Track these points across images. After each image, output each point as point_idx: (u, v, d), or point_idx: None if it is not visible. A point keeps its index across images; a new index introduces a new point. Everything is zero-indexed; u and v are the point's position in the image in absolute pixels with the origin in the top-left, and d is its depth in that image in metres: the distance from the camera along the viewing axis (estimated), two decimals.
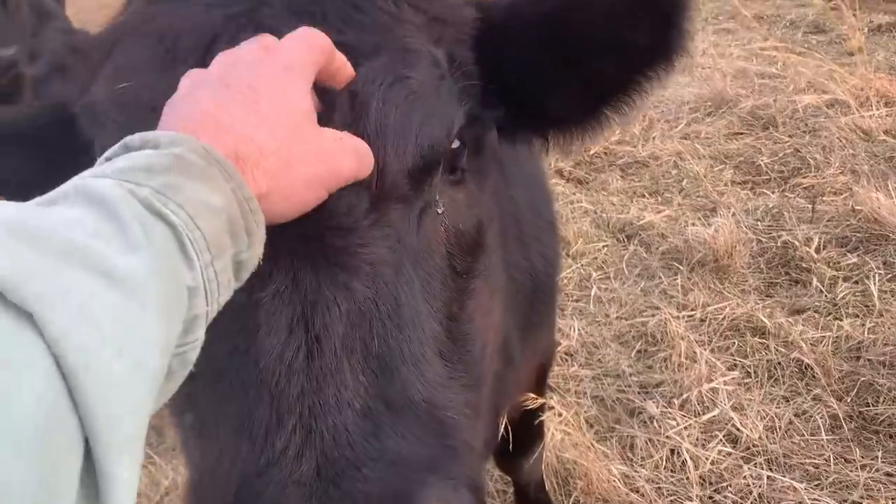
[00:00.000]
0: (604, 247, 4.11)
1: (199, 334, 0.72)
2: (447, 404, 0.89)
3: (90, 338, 0.57)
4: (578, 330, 3.50)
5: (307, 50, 0.86)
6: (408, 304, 0.89)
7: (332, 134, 0.85)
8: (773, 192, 4.21)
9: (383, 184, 0.89)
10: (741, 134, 4.95)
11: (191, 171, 0.72)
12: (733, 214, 3.97)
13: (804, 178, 4.26)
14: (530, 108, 1.14)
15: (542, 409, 2.27)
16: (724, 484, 2.59)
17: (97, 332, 0.58)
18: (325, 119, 0.87)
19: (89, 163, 0.75)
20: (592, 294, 3.74)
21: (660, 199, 4.49)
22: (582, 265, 3.98)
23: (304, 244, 0.85)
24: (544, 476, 2.76)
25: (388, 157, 0.89)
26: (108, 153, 0.75)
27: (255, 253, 0.78)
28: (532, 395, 2.02)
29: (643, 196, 4.57)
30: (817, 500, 2.44)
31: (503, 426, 1.89)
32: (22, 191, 0.80)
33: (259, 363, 0.80)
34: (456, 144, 1.00)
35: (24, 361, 0.53)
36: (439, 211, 0.98)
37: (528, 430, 2.30)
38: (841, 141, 4.49)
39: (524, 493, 2.59)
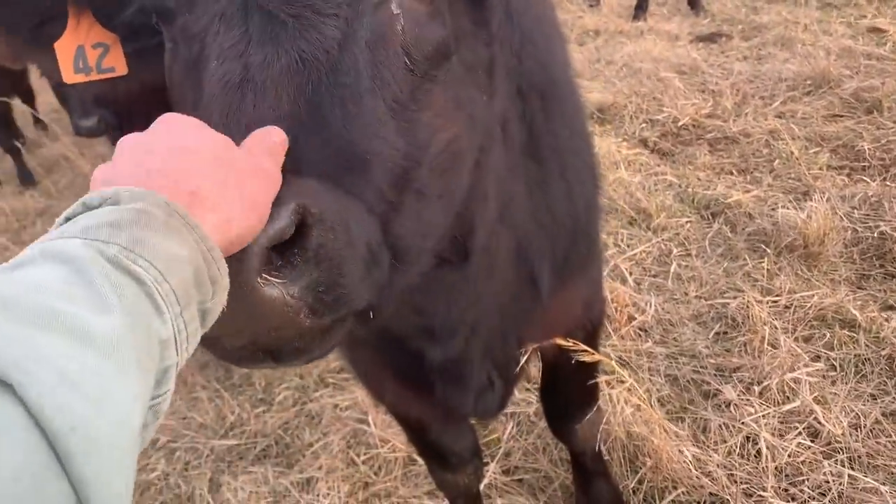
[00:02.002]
0: (687, 222, 3.97)
1: (171, 385, 0.73)
2: (368, 149, 0.99)
3: (73, 400, 0.57)
4: (655, 306, 3.40)
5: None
6: (347, 71, 0.99)
7: (244, 153, 0.89)
8: (872, 180, 3.98)
9: None
10: (841, 116, 4.69)
11: (155, 224, 0.74)
12: (828, 200, 3.77)
13: None
14: None
15: (594, 369, 2.22)
16: (802, 478, 2.49)
17: (78, 394, 0.58)
18: None
19: None
20: (672, 270, 3.63)
21: (749, 177, 4.31)
22: (663, 240, 3.86)
23: (258, 5, 0.97)
24: (611, 450, 2.70)
25: None
26: (67, 212, 0.77)
27: (219, 300, 0.81)
28: (579, 344, 1.96)
29: (731, 173, 4.39)
30: None
31: (527, 358, 1.89)
32: None
33: (206, 83, 0.96)
34: None
35: (4, 431, 0.53)
36: (395, 11, 1.07)
37: (579, 388, 2.28)
38: None
39: (580, 462, 2.54)
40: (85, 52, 1.19)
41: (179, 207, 0.78)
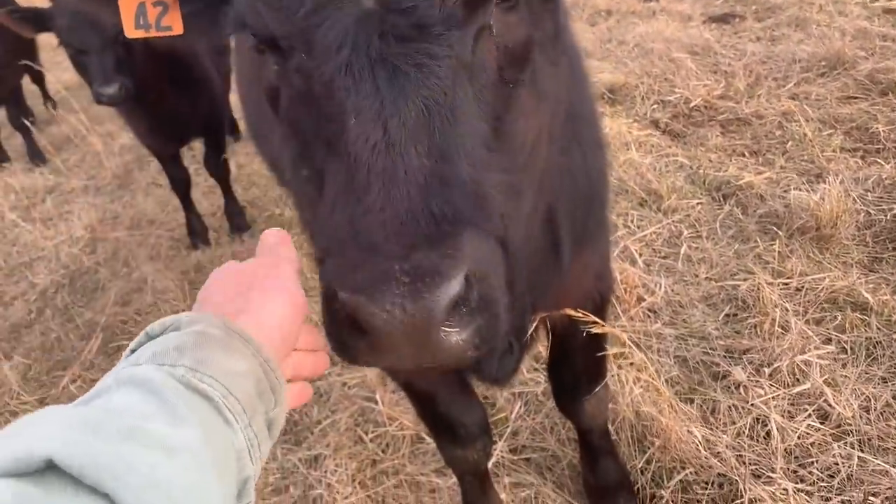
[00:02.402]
0: (698, 204, 3.95)
1: (251, 497, 0.80)
2: (489, 183, 1.04)
3: (161, 500, 0.64)
4: (665, 288, 3.38)
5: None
6: (461, 107, 1.03)
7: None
8: (886, 163, 3.94)
9: (445, 9, 1.01)
10: (856, 98, 4.64)
11: (215, 344, 0.83)
12: (841, 182, 3.73)
13: None
14: None
15: (603, 343, 2.22)
16: (811, 460, 2.48)
17: (168, 499, 0.64)
18: None
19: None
20: (682, 252, 3.61)
21: (761, 159, 4.27)
22: (673, 221, 3.84)
23: (381, 57, 0.99)
24: (619, 430, 2.70)
25: None
26: (132, 345, 0.85)
27: (281, 410, 0.90)
28: (589, 315, 1.95)
29: (743, 155, 4.35)
30: None
31: (537, 326, 1.90)
32: None
33: (351, 144, 0.98)
34: None
35: None
36: (493, 32, 1.10)
37: (588, 361, 2.28)
38: None
39: (587, 441, 2.53)
40: (146, 8, 1.25)
41: (234, 324, 0.87)
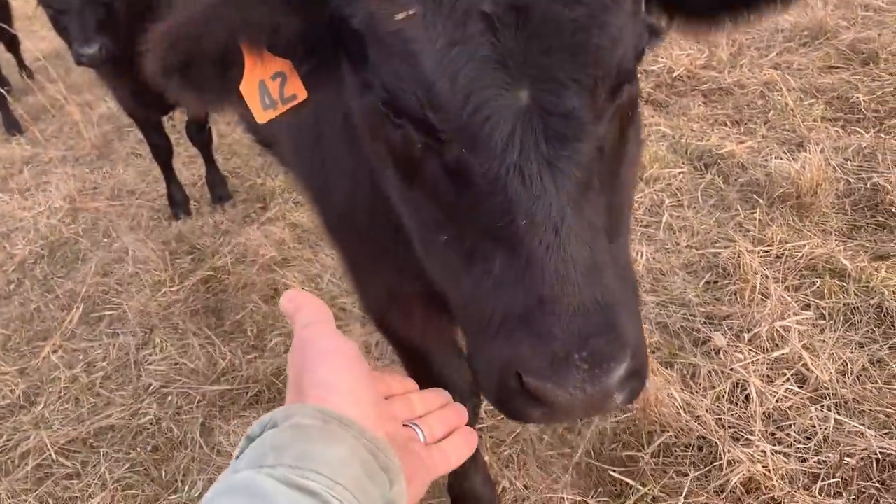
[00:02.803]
0: (679, 173, 3.96)
1: None
2: (620, 248, 1.15)
3: None
4: (646, 256, 3.40)
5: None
6: (600, 188, 1.10)
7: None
8: (866, 132, 3.96)
9: (595, 102, 1.06)
10: (837, 68, 4.65)
11: (312, 434, 0.80)
12: (822, 151, 3.76)
13: None
14: None
15: None
16: (789, 423, 2.53)
17: None
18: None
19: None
20: (664, 221, 3.62)
21: (743, 128, 4.28)
22: (655, 190, 3.85)
23: (548, 161, 1.04)
24: None
25: (600, 83, 1.06)
26: (235, 452, 0.85)
27: (401, 488, 0.86)
28: None
29: (725, 124, 4.36)
30: (887, 448, 2.36)
31: None
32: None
33: (526, 243, 1.04)
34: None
35: None
36: (623, 104, 1.14)
37: None
38: None
39: None
40: (267, 86, 1.24)
41: (332, 411, 0.84)
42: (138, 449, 3.05)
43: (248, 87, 1.22)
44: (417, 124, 1.12)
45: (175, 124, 5.41)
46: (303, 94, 1.26)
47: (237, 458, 0.82)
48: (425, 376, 2.28)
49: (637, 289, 1.28)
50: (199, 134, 4.61)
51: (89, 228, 4.68)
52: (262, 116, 1.25)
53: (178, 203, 4.66)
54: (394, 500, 0.85)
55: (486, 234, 1.09)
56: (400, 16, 1.06)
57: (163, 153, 4.56)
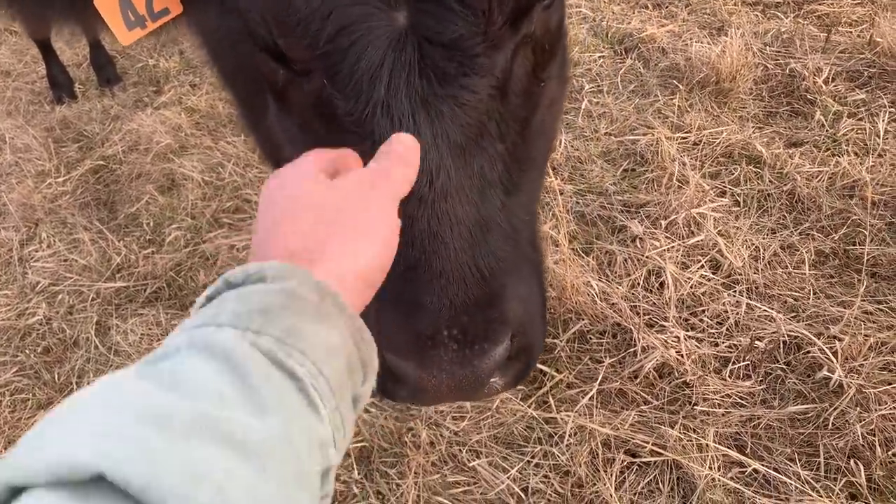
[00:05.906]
0: (600, 58, 3.83)
1: (330, 488, 0.68)
2: (521, 208, 1.01)
3: None
4: (565, 143, 3.30)
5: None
6: (499, 135, 0.95)
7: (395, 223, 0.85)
8: (785, 17, 3.91)
9: (488, 31, 0.90)
10: None
11: (307, 310, 0.69)
12: (742, 35, 3.69)
13: (820, 4, 3.96)
14: None
15: None
16: (702, 308, 2.53)
17: None
18: None
19: None
20: (582, 107, 3.51)
21: (664, 12, 4.16)
22: (574, 76, 3.71)
23: (423, 100, 0.88)
24: None
25: (495, 6, 0.89)
26: (209, 291, 0.72)
27: (369, 385, 0.77)
28: None
29: (646, 7, 4.22)
30: (794, 331, 2.40)
31: None
32: None
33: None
34: None
35: None
36: (534, 35, 1.00)
37: None
38: None
39: None
40: (130, 1, 1.00)
41: (330, 288, 0.72)
42: (27, 351, 2.83)
43: (106, 3, 1.00)
44: (278, 59, 0.94)
45: None
46: (177, 9, 1.05)
47: (209, 297, 0.72)
48: None
49: (540, 253, 1.12)
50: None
51: None
52: (126, 38, 1.04)
53: (60, 85, 4.22)
54: (361, 395, 0.76)
55: None
56: None
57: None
